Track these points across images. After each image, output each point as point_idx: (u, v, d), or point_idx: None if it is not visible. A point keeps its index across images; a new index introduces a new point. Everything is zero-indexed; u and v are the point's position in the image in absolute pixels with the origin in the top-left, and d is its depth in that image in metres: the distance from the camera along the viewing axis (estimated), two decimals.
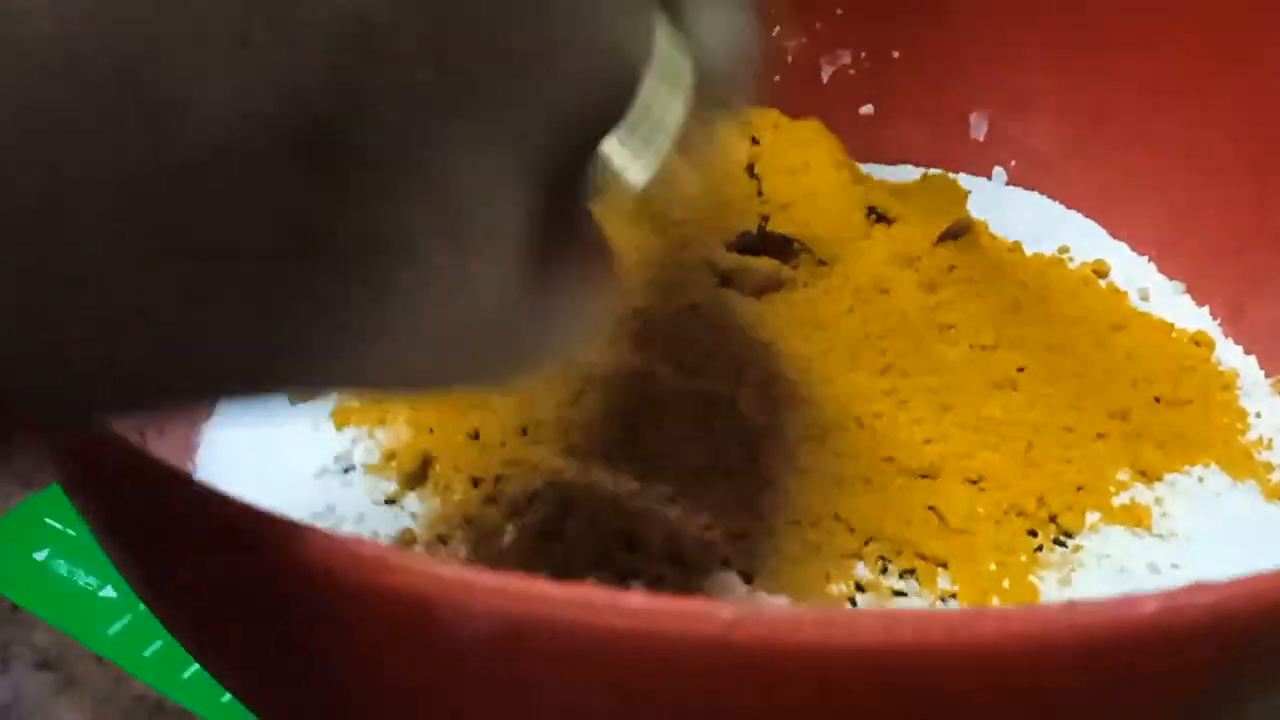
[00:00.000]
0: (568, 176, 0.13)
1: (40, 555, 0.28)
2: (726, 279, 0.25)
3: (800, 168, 0.26)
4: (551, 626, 0.12)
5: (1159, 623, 0.12)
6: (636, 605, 0.12)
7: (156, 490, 0.14)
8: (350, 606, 0.13)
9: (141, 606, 0.27)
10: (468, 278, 0.12)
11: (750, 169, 0.26)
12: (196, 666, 0.25)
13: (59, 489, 0.30)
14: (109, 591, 0.27)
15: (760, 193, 0.26)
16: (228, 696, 0.25)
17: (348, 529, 0.23)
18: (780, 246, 0.26)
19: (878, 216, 0.27)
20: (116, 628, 0.26)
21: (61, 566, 0.28)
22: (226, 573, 0.15)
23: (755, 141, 0.26)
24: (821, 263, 0.26)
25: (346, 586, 0.13)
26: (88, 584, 0.27)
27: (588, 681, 0.12)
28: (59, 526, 0.29)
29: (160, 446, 0.24)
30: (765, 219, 0.26)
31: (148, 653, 0.26)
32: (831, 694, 0.12)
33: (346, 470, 0.25)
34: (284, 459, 0.25)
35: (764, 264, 0.25)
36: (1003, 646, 0.12)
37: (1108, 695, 0.13)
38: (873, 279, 0.25)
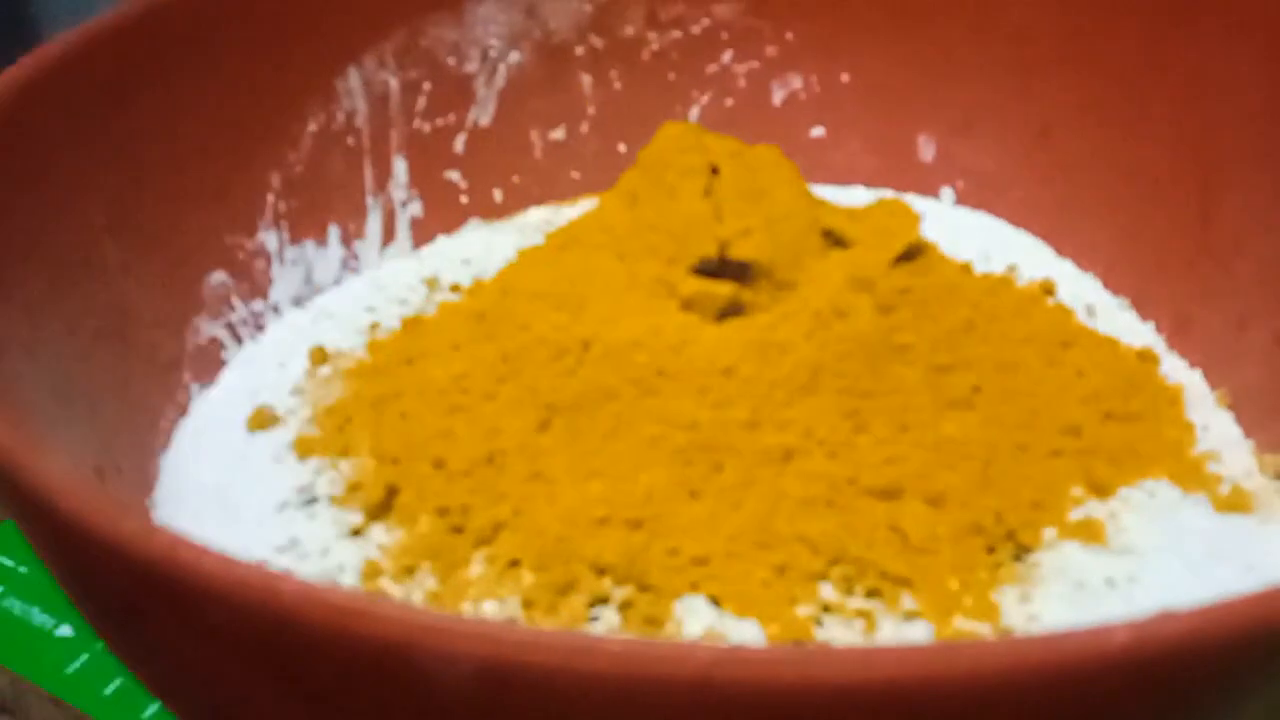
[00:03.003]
0: None
1: None
2: (688, 303, 0.26)
3: (759, 193, 0.27)
4: (532, 671, 0.12)
5: (1130, 651, 0.12)
6: (616, 649, 0.12)
7: (115, 540, 0.14)
8: (326, 654, 0.13)
9: (99, 645, 0.26)
10: None
11: (709, 194, 0.27)
12: (156, 706, 0.25)
13: (10, 526, 0.29)
14: (65, 630, 0.27)
15: (720, 218, 0.26)
16: None
17: (313, 562, 0.23)
18: (739, 271, 0.26)
19: (834, 240, 0.27)
20: (74, 667, 0.26)
21: (15, 606, 0.27)
22: (193, 622, 0.14)
23: (715, 170, 0.27)
24: (780, 287, 0.26)
25: (322, 634, 0.13)
26: (42, 623, 0.27)
27: None
28: (10, 564, 0.28)
29: (118, 481, 0.24)
30: (725, 244, 0.26)
31: (107, 691, 0.25)
32: None
33: (310, 502, 0.25)
34: (245, 492, 0.25)
35: (724, 288, 0.26)
36: (980, 678, 0.12)
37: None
38: (831, 302, 0.26)
